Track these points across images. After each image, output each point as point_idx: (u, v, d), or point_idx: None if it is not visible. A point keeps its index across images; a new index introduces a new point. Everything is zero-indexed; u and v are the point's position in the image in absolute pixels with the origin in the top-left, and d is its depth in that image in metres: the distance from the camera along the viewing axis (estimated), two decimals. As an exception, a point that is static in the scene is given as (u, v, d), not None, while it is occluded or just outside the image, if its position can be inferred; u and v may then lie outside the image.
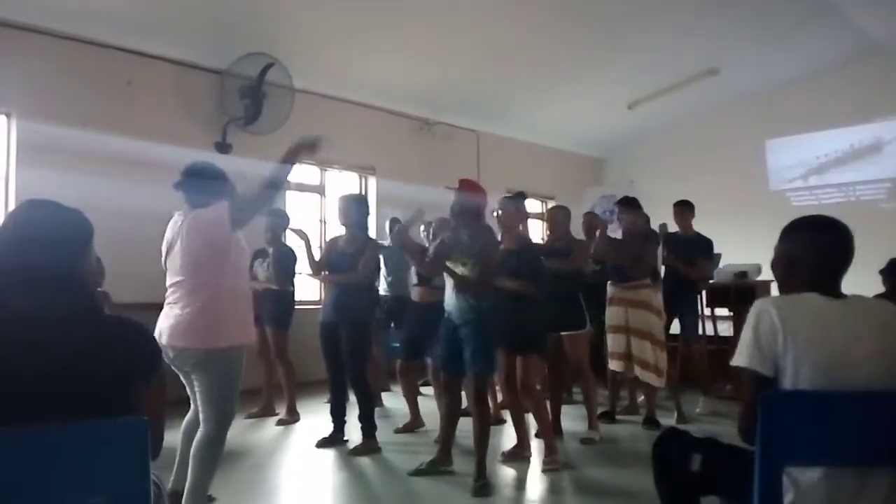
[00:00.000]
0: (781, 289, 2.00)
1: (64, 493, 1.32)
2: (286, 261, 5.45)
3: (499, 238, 4.13)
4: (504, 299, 3.94)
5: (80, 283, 1.58)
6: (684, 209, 5.85)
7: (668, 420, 5.15)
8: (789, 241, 1.95)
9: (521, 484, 3.99)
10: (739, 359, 1.82)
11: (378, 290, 5.73)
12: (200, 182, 3.01)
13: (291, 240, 5.32)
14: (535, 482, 3.99)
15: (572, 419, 5.15)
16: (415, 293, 5.14)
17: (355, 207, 4.65)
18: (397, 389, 6.35)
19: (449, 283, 3.84)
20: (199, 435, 2.94)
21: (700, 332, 5.82)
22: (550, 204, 10.05)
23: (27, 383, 1.38)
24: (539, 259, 4.26)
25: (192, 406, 3.08)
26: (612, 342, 5.16)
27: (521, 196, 5.01)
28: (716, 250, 6.37)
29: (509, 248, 4.12)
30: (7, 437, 1.30)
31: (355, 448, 4.51)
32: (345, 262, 4.55)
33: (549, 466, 4.05)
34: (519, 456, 4.30)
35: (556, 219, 4.92)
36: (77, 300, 1.54)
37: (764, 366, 1.78)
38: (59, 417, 1.35)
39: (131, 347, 1.53)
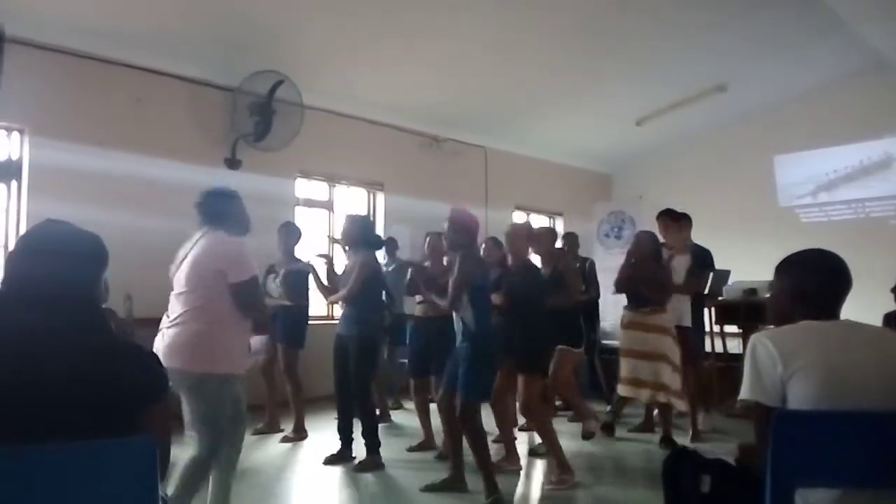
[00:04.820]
0: (778, 323, 2.01)
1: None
2: (299, 276, 5.44)
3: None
4: (508, 318, 4.07)
5: (95, 303, 1.60)
6: (683, 222, 5.82)
7: (682, 438, 5.12)
8: (791, 272, 1.99)
9: (531, 501, 3.98)
10: (744, 392, 1.85)
11: (384, 308, 5.70)
12: (219, 204, 3.05)
13: (307, 255, 5.34)
14: (546, 499, 3.97)
15: (564, 436, 5.09)
16: (418, 309, 5.15)
17: (352, 227, 4.75)
18: (409, 406, 6.34)
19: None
20: (190, 454, 2.88)
21: (705, 348, 5.76)
22: (559, 221, 10.08)
23: (38, 401, 1.39)
24: (533, 281, 4.33)
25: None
26: (625, 367, 5.07)
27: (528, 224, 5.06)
28: (725, 267, 6.36)
29: (517, 268, 4.34)
30: (16, 455, 1.30)
31: (359, 464, 4.50)
32: (344, 281, 4.68)
33: (558, 486, 4.02)
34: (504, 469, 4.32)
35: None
36: (91, 320, 1.55)
37: (768, 397, 1.80)
38: (69, 438, 1.36)
39: (141, 372, 1.54)
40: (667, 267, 5.20)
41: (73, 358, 1.46)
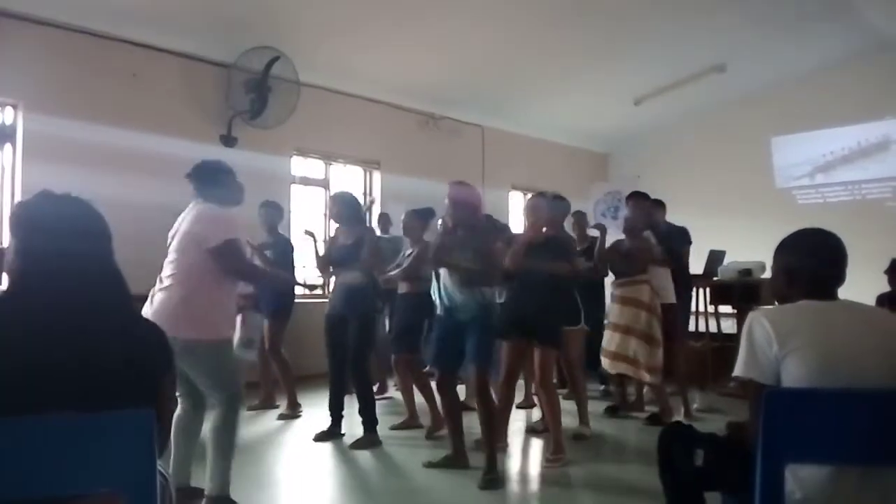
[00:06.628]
0: (780, 303, 2.02)
1: (72, 484, 1.33)
2: (284, 252, 5.45)
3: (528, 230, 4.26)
4: (525, 290, 4.06)
5: (116, 276, 1.60)
6: (655, 205, 5.71)
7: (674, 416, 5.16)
8: (788, 253, 2.00)
9: (525, 478, 4.02)
10: (738, 369, 1.88)
11: (380, 282, 5.67)
12: (209, 176, 3.16)
13: (296, 235, 5.33)
14: (540, 477, 4.00)
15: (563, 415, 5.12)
16: (401, 286, 5.07)
17: (343, 204, 4.71)
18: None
19: (448, 281, 3.81)
20: (213, 420, 3.02)
21: (688, 327, 5.80)
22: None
23: (62, 373, 1.40)
24: (567, 249, 4.43)
25: (182, 401, 3.14)
26: (605, 339, 5.14)
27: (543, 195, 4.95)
28: (721, 247, 6.37)
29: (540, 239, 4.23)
30: (16, 425, 1.31)
31: (356, 441, 4.51)
32: (346, 255, 4.60)
33: (553, 464, 4.05)
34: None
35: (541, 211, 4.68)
36: (115, 294, 1.56)
37: (763, 374, 1.82)
38: (86, 409, 1.37)
39: (157, 346, 1.56)
40: (644, 240, 5.15)
41: (99, 329, 1.48)
